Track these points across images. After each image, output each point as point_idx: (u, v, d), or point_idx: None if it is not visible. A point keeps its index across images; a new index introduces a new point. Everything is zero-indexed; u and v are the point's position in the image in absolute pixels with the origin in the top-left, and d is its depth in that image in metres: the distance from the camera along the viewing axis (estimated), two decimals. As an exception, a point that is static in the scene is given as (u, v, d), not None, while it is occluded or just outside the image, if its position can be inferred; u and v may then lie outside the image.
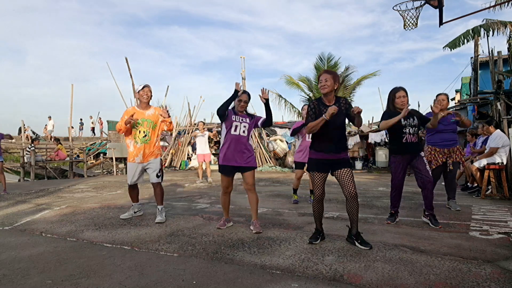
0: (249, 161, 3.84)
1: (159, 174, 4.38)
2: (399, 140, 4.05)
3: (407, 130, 3.99)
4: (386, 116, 4.09)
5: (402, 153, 4.07)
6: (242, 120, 3.85)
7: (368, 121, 16.02)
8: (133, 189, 4.56)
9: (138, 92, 4.32)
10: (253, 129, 4.08)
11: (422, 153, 4.08)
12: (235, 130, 3.81)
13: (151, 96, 4.38)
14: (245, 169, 3.84)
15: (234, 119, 3.82)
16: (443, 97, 4.77)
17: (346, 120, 3.42)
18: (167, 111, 4.52)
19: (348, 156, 3.39)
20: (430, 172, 4.02)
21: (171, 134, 15.60)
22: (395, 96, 4.03)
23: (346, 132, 3.39)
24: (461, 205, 5.03)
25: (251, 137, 4.02)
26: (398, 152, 4.11)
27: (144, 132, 4.31)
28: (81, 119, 25.84)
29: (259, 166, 13.26)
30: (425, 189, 4.03)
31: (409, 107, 3.96)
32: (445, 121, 4.66)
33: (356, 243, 3.19)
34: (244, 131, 3.83)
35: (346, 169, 3.25)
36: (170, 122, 4.43)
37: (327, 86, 3.20)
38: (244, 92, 3.94)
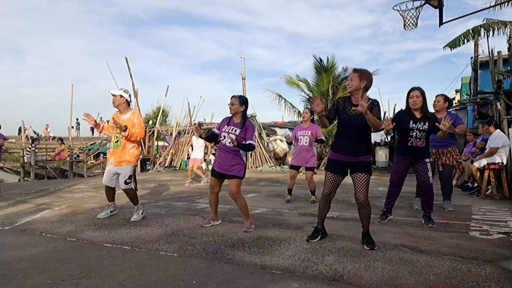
0: (231, 170, 3.78)
1: (128, 181, 4.30)
2: (405, 142, 4.02)
3: (414, 134, 3.93)
4: (395, 116, 4.14)
5: (404, 155, 4.06)
6: (230, 130, 3.81)
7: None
8: (109, 190, 4.53)
9: None
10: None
11: (428, 159, 3.96)
12: (223, 139, 3.86)
13: (116, 102, 4.30)
14: (228, 177, 3.84)
15: (224, 129, 3.87)
16: (438, 98, 4.78)
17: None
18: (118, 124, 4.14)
19: (368, 160, 3.19)
20: (431, 179, 3.95)
21: (171, 134, 15.60)
22: (409, 95, 4.00)
23: None
24: (461, 205, 5.03)
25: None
26: (400, 154, 4.11)
27: (116, 137, 4.33)
28: (77, 119, 25.77)
29: (259, 166, 13.25)
30: (422, 192, 4.07)
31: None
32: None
33: (363, 243, 3.21)
34: (230, 142, 3.78)
35: (361, 173, 3.14)
36: (127, 134, 4.15)
37: (351, 86, 3.17)
38: (234, 96, 3.91)
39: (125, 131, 4.14)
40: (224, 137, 3.85)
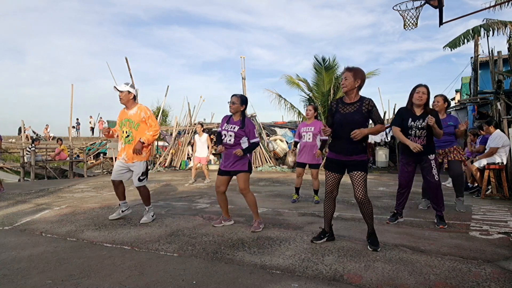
0: (235, 165, 3.83)
1: (141, 178, 4.25)
2: None
3: (413, 132, 3.93)
4: (398, 113, 4.11)
5: (407, 155, 4.05)
6: (230, 128, 3.87)
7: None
8: (117, 187, 4.38)
9: None
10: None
11: (432, 156, 3.95)
12: (224, 138, 3.90)
13: (124, 99, 4.24)
14: (233, 173, 3.88)
15: (224, 127, 3.93)
16: (438, 99, 4.80)
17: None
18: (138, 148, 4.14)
19: (363, 159, 3.17)
20: (436, 176, 3.95)
21: (171, 134, 15.60)
22: (415, 91, 3.97)
23: None
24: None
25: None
26: (403, 153, 4.13)
27: (126, 132, 4.25)
28: (77, 119, 25.82)
29: (259, 166, 13.25)
30: (429, 191, 4.05)
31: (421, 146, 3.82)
32: (442, 123, 4.67)
33: (368, 243, 3.19)
34: (230, 139, 3.84)
35: (357, 172, 3.13)
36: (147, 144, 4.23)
37: (346, 85, 3.17)
38: (234, 95, 3.94)
39: (143, 143, 4.14)
40: (225, 135, 3.89)
